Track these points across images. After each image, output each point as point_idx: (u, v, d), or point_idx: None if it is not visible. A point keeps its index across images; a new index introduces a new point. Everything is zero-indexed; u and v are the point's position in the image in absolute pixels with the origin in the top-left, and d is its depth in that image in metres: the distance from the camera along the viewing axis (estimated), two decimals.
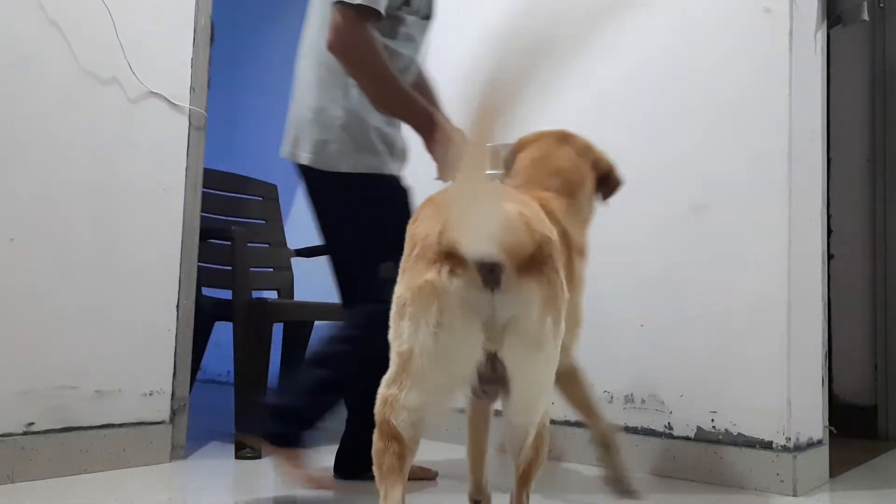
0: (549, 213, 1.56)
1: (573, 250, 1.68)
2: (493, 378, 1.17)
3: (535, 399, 1.21)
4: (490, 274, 1.11)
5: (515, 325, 1.12)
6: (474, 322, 1.12)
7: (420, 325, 1.14)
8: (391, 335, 1.23)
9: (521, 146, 1.86)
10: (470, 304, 1.12)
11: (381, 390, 1.24)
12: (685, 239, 2.46)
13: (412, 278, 1.16)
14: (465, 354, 1.13)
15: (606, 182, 1.88)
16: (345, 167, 2.00)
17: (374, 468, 1.24)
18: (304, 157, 2.02)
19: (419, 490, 2.16)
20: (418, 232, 1.22)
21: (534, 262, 1.14)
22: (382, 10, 1.91)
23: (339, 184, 2.00)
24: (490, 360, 1.15)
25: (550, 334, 1.16)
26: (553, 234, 1.23)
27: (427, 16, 2.14)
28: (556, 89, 0.91)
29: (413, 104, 1.97)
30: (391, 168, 2.06)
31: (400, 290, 1.20)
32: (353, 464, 2.20)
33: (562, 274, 1.20)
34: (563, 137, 1.85)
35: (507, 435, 1.30)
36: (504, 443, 1.32)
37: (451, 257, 1.12)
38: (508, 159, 1.86)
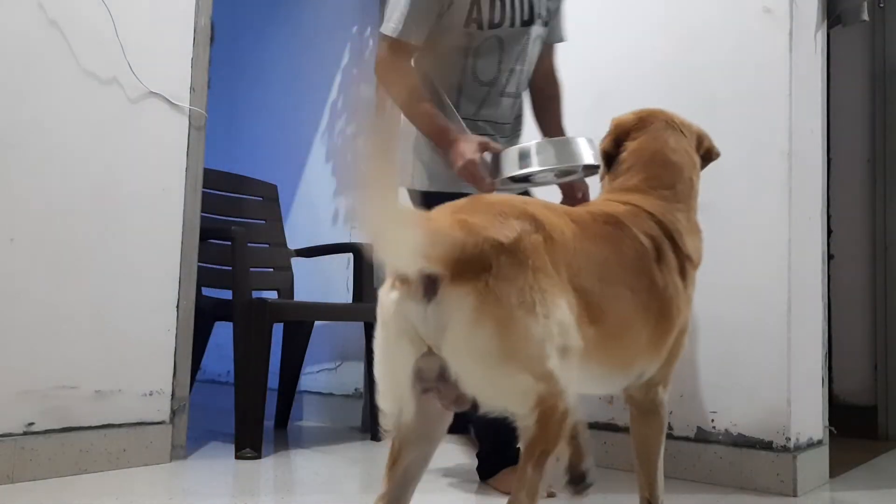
0: (648, 218, 1.49)
1: (684, 258, 1.53)
2: (443, 377, 1.18)
3: (494, 394, 1.19)
4: (429, 285, 1.13)
5: (447, 335, 1.14)
6: (406, 332, 1.16)
7: (377, 339, 1.22)
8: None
9: (623, 132, 1.66)
10: (402, 316, 1.16)
11: None
12: None
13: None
14: (400, 364, 1.18)
15: (707, 158, 1.73)
16: (426, 188, 2.11)
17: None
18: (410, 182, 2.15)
19: (419, 490, 2.16)
20: None
21: (470, 269, 1.12)
22: (412, 40, 2.04)
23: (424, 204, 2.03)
24: (440, 361, 1.17)
25: (489, 342, 1.13)
26: (509, 237, 1.17)
27: (525, 22, 2.10)
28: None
29: (430, 123, 2.03)
30: (457, 186, 2.04)
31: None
32: (494, 465, 2.17)
33: (511, 279, 1.15)
34: (670, 122, 1.66)
35: None
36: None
37: (398, 272, 1.17)
38: (609, 148, 1.67)
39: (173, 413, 2.40)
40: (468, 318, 1.12)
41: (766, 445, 2.25)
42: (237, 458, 2.47)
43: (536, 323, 1.16)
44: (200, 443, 2.68)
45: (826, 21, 2.55)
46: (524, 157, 1.89)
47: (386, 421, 1.28)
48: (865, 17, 2.53)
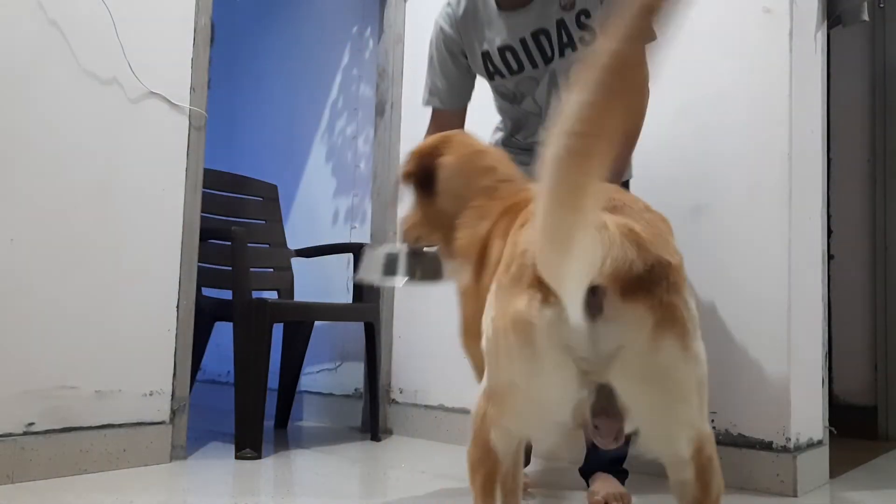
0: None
1: None
2: (608, 410, 1.04)
3: (669, 429, 1.05)
4: (592, 299, 0.96)
5: (623, 356, 0.99)
6: (569, 357, 1.00)
7: (513, 360, 1.04)
8: (489, 349, 1.13)
9: (428, 156, 1.62)
10: (564, 338, 0.99)
11: (480, 400, 1.17)
12: (685, 239, 2.45)
13: (506, 304, 1.05)
14: (560, 394, 1.02)
15: None
16: None
17: (469, 480, 1.19)
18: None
19: (425, 495, 2.16)
20: (520, 241, 1.09)
21: (642, 283, 0.98)
22: (440, 106, 2.16)
23: None
24: (604, 391, 1.02)
25: (674, 359, 1.01)
26: (674, 256, 1.05)
27: (548, 59, 2.07)
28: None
29: None
30: None
31: (494, 314, 1.09)
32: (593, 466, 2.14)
33: (685, 295, 1.05)
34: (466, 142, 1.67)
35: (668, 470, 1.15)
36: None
37: (544, 283, 0.97)
38: (418, 172, 1.63)
39: (173, 413, 2.40)
40: (648, 335, 0.98)
41: (766, 445, 2.25)
42: (237, 458, 2.47)
43: (702, 347, 1.04)
44: (200, 443, 2.68)
45: (826, 21, 2.55)
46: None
47: (505, 436, 1.16)
48: (865, 17, 2.53)
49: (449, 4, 2.15)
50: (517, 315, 1.02)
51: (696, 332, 1.04)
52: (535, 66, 2.08)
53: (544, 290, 0.98)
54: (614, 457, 2.07)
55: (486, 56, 2.10)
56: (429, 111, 2.19)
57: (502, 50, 2.08)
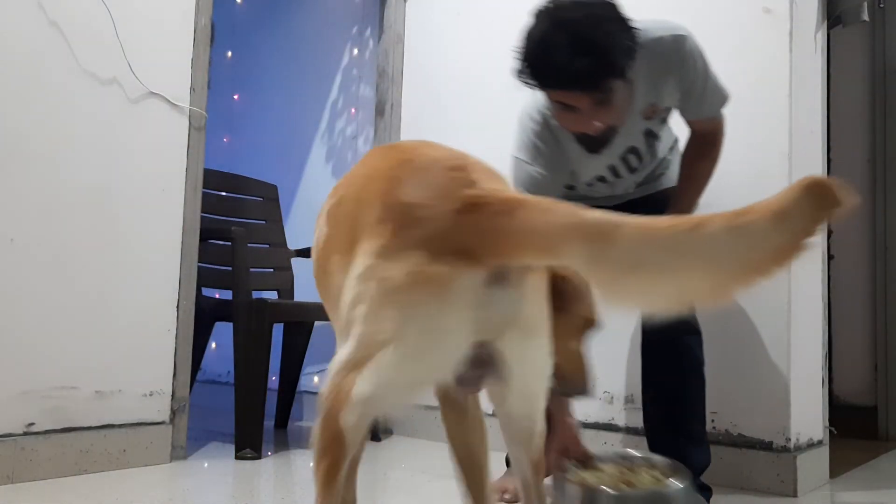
0: None
1: None
2: (479, 364, 1.10)
3: (539, 386, 1.18)
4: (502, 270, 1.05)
5: (517, 317, 1.09)
6: (471, 319, 1.04)
7: (410, 317, 1.04)
8: (360, 313, 1.07)
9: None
10: (472, 302, 1.03)
11: (334, 376, 1.09)
12: None
13: (410, 264, 1.03)
14: (454, 351, 1.05)
15: None
16: None
17: (314, 467, 1.12)
18: None
19: (415, 493, 2.16)
20: (412, 200, 1.08)
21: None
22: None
23: None
24: (479, 347, 1.08)
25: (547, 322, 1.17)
26: None
27: (624, 174, 2.03)
28: None
29: None
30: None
31: (391, 272, 1.04)
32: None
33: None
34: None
35: (513, 431, 1.22)
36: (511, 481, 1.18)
37: (463, 253, 1.01)
38: None
39: (173, 413, 2.40)
40: (541, 299, 1.14)
41: (766, 446, 2.24)
42: (237, 458, 2.47)
43: None
44: (200, 443, 2.68)
45: (826, 21, 2.55)
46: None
47: (360, 413, 1.08)
48: (865, 17, 2.53)
49: (532, 119, 1.95)
50: (431, 276, 1.02)
51: None
52: (619, 177, 2.04)
53: (464, 259, 1.02)
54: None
55: (570, 187, 2.04)
56: (427, 111, 2.18)
57: (591, 182, 2.03)
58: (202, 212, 2.54)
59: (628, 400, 2.51)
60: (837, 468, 2.47)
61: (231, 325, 2.62)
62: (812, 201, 0.89)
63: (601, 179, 2.04)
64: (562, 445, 1.71)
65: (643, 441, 2.44)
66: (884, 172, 3.44)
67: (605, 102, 1.73)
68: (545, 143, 1.92)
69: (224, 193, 3.14)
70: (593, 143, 1.90)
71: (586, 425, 2.48)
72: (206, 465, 2.40)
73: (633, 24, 1.73)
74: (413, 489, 2.18)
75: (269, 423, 2.96)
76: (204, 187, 2.56)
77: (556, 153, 1.93)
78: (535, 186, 1.89)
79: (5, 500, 1.87)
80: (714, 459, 2.33)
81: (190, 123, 2.47)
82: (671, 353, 1.98)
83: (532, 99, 1.94)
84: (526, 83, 1.75)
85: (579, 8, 1.67)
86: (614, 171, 2.01)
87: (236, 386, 2.56)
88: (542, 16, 1.70)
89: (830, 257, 3.08)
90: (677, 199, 2.02)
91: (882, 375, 3.37)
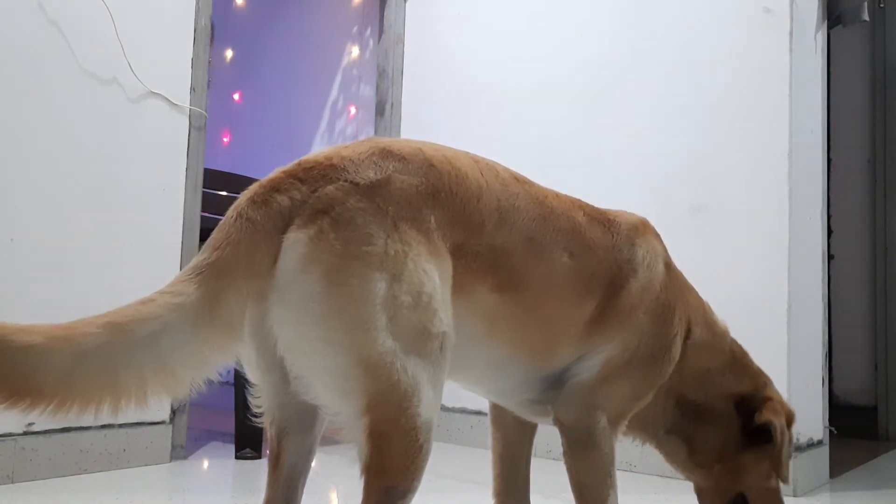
0: None
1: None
2: None
3: (316, 370, 1.02)
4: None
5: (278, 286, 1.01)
6: None
7: None
8: None
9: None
10: None
11: None
12: (685, 239, 2.45)
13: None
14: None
15: None
16: None
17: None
18: None
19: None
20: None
21: (312, 214, 1.04)
22: None
23: None
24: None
25: (312, 292, 1.00)
26: (368, 178, 1.05)
27: None
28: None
29: None
30: None
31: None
32: None
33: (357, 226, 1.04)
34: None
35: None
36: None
37: None
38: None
39: (173, 413, 2.40)
40: (296, 265, 0.95)
41: None
42: (237, 458, 2.47)
43: (379, 281, 0.93)
44: (200, 443, 2.68)
45: (826, 21, 2.55)
46: None
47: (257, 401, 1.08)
48: (866, 17, 2.53)
49: None
50: None
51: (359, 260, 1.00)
52: None
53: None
54: None
55: None
56: (427, 111, 2.18)
57: None
58: (202, 211, 2.54)
59: None
60: (837, 468, 2.47)
61: None
62: None
63: None
64: None
65: None
66: (884, 172, 3.44)
67: None
68: None
69: (224, 193, 3.13)
70: None
71: None
72: (206, 464, 2.40)
73: None
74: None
75: None
76: (204, 187, 2.56)
77: None
78: None
79: (5, 499, 1.87)
80: None
81: (190, 123, 2.47)
82: None
83: None
84: None
85: None
86: None
87: (236, 386, 2.56)
88: None
89: (830, 257, 3.08)
90: None
91: (882, 375, 3.37)
